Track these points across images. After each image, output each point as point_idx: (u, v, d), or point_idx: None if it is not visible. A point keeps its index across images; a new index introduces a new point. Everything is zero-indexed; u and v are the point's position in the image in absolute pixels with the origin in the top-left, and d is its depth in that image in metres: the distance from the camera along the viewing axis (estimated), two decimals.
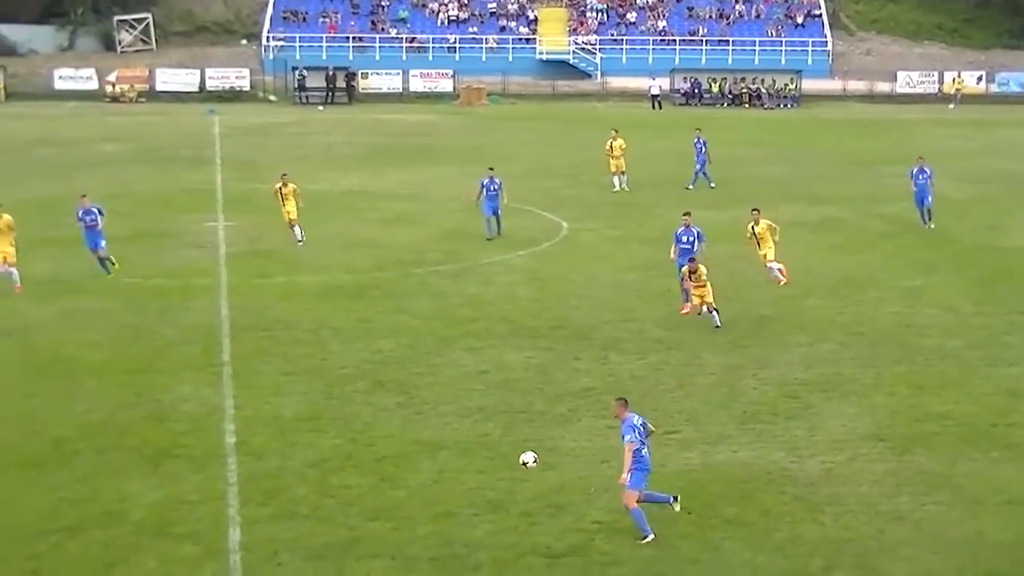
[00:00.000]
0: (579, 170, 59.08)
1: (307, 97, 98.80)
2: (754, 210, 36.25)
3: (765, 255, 36.09)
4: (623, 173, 55.51)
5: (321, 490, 22.52)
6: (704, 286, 32.70)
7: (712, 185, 55.64)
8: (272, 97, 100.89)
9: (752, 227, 35.84)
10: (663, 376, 29.33)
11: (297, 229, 43.58)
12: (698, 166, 56.26)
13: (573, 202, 52.63)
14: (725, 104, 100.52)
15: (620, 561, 19.98)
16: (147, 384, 28.45)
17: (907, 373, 29.63)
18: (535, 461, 22.27)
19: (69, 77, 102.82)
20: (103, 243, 38.51)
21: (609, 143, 55.98)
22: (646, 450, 21.03)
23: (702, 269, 32.71)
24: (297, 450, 24.52)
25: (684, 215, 35.40)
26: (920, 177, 46.04)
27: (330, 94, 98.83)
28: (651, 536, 20.64)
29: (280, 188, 44.04)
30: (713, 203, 51.24)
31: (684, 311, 33.88)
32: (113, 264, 38.72)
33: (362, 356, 30.53)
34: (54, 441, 24.94)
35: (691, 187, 55.69)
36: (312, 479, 23.00)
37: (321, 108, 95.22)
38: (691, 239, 34.48)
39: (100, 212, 38.55)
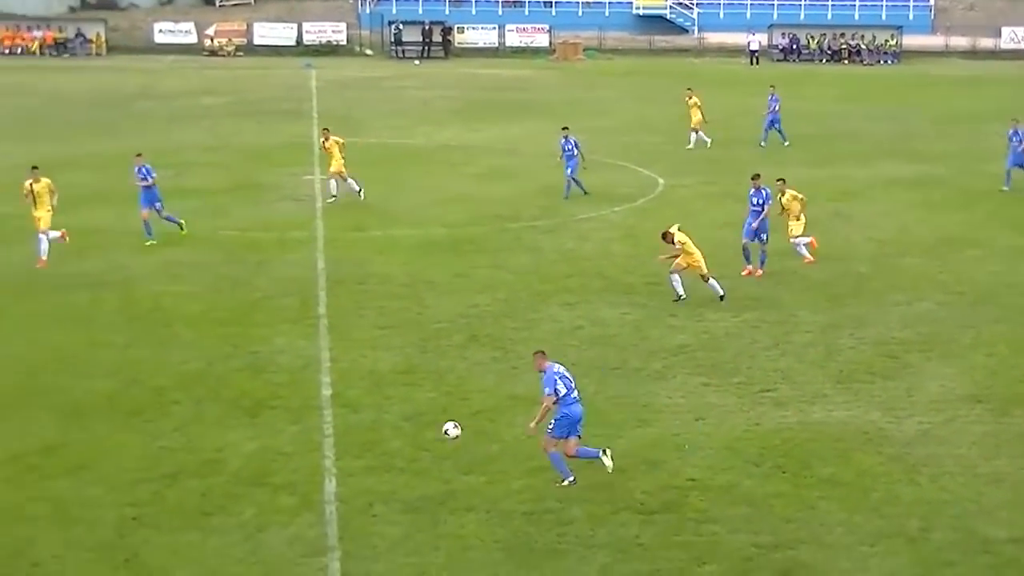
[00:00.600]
0: (675, 126, 58.62)
1: (403, 51, 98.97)
2: (779, 180, 35.17)
3: (791, 230, 34.79)
4: (698, 130, 55.13)
5: (416, 443, 22.63)
6: (692, 254, 30.93)
7: (786, 143, 55.05)
8: (368, 51, 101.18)
9: (779, 198, 34.83)
10: (758, 334, 29.14)
11: (351, 182, 43.20)
12: (768, 122, 55.67)
13: (669, 158, 52.36)
14: (824, 60, 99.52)
15: (714, 519, 19.93)
16: (244, 336, 28.71)
17: (1007, 333, 29.23)
18: (456, 427, 21.68)
19: (168, 31, 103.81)
20: (160, 204, 37.53)
21: (687, 100, 55.77)
22: (573, 396, 21.09)
23: (680, 236, 30.97)
24: (392, 403, 24.66)
25: (753, 177, 34.33)
26: (1015, 139, 45.21)
27: (426, 48, 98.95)
28: (571, 478, 20.89)
29: (323, 143, 43.74)
30: (811, 160, 50.79)
31: (745, 272, 33.62)
32: (181, 228, 37.86)
33: (457, 310, 30.61)
34: (153, 390, 25.28)
35: (763, 144, 55.16)
36: (407, 432, 23.13)
37: (417, 63, 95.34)
38: (760, 201, 33.75)
39: (149, 173, 37.31)
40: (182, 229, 37.81)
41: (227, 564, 18.43)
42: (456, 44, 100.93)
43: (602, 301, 31.43)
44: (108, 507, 20.15)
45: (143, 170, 37.31)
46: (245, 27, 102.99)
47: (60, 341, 28.34)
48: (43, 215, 34.67)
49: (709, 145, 54.48)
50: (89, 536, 19.18)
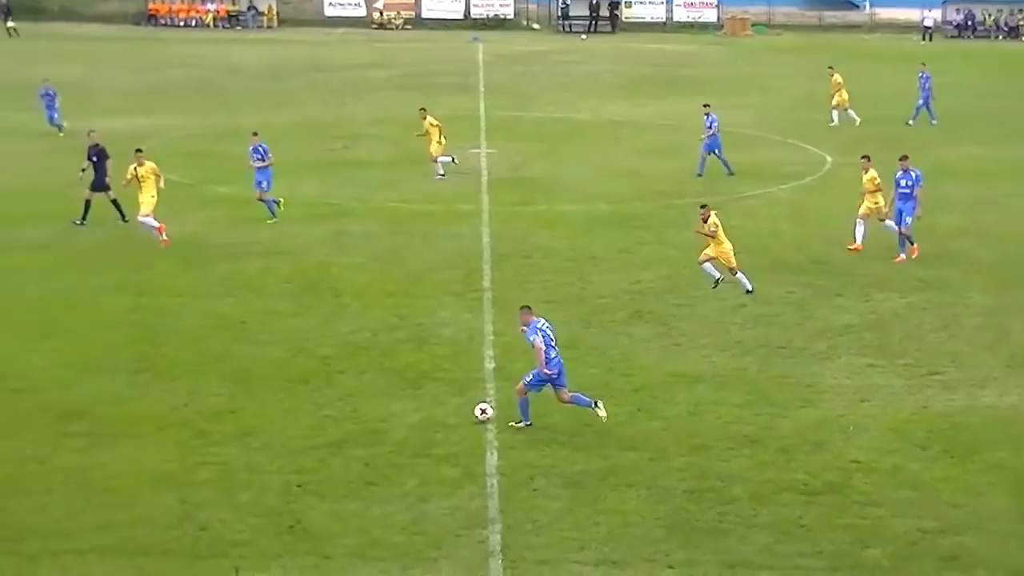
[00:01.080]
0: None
1: (570, 26, 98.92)
2: (863, 157, 34.25)
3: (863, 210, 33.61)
4: (839, 108, 54.27)
5: (577, 418, 22.63)
6: (721, 243, 29.88)
7: (934, 122, 53.92)
8: (535, 25, 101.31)
9: (863, 177, 33.63)
10: (926, 316, 28.64)
11: (439, 162, 42.89)
12: (920, 101, 54.58)
13: (837, 135, 51.64)
14: (1000, 36, 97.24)
15: (878, 502, 19.64)
16: (409, 307, 28.97)
17: None
18: (483, 413, 22.34)
19: (338, 4, 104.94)
20: (266, 184, 36.79)
21: (830, 77, 55.01)
22: (554, 352, 21.82)
23: (714, 218, 29.99)
24: None
25: (901, 159, 33.34)
26: None
27: (593, 23, 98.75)
28: (528, 423, 22.00)
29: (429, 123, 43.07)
30: (983, 139, 49.73)
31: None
32: (279, 206, 36.97)
33: (621, 286, 30.56)
34: (320, 359, 25.63)
35: (911, 122, 54.09)
36: (569, 407, 23.15)
37: (584, 37, 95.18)
38: (909, 183, 32.77)
39: (265, 152, 36.75)
40: (273, 216, 36.72)
41: (390, 533, 18.63)
42: (623, 19, 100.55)
43: (767, 279, 31.11)
44: (274, 473, 20.49)
45: (260, 149, 36.91)
46: (413, 0, 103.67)
47: (230, 309, 28.85)
48: (146, 200, 34.08)
49: (858, 123, 53.65)
50: (255, 502, 19.52)
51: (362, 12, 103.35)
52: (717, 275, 30.04)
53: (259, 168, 36.81)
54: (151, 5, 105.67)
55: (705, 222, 29.89)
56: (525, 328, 22.12)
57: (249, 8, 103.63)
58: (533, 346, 21.84)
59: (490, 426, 22.30)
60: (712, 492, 19.95)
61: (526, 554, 18.08)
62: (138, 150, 35.46)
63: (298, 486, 20.08)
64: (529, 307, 22.63)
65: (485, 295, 30.00)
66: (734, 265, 30.08)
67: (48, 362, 25.23)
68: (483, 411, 22.48)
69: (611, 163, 46.05)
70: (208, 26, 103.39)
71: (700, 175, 43.04)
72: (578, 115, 57.23)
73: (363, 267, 32.26)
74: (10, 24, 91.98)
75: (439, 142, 42.81)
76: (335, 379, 24.59)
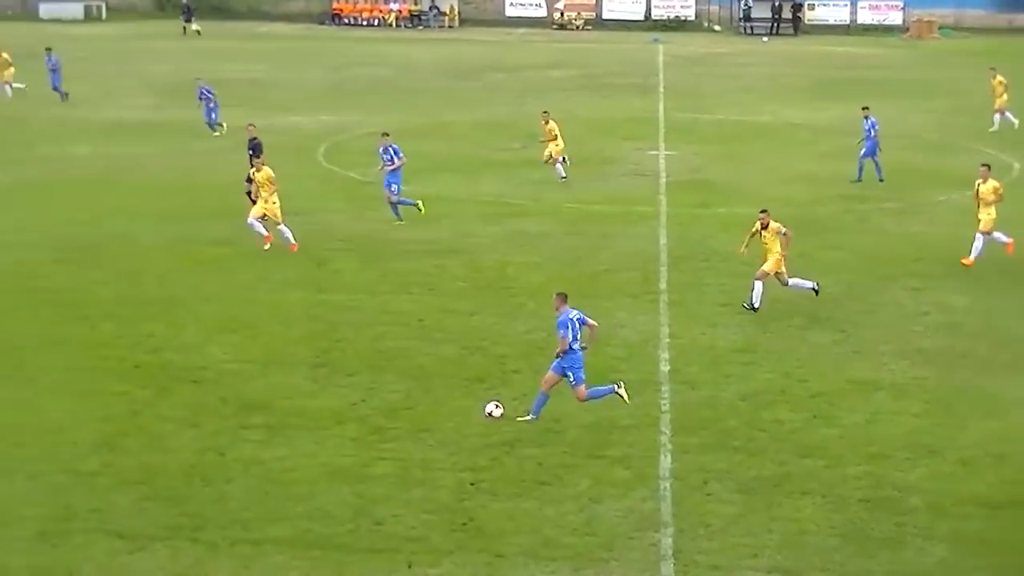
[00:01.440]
0: None
1: (752, 28, 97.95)
2: (983, 166, 33.09)
3: (981, 221, 32.28)
4: (1000, 111, 52.93)
5: (753, 423, 22.44)
6: (776, 252, 28.55)
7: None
8: (716, 27, 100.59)
9: (977, 185, 32.56)
10: None
11: (559, 166, 42.50)
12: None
13: None
14: None
15: None
16: (585, 308, 28.76)
17: None
18: (497, 407, 22.47)
19: (519, 4, 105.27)
20: (395, 187, 36.47)
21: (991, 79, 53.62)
22: (578, 345, 22.11)
23: (774, 225, 28.68)
24: (730, 382, 24.50)
25: None
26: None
27: (775, 25, 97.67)
28: (534, 418, 22.24)
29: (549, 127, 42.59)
30: None
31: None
32: (419, 209, 36.73)
33: (799, 290, 30.18)
34: (496, 358, 25.75)
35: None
36: (744, 412, 22.95)
37: (765, 39, 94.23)
38: None
39: (396, 153, 36.40)
40: (399, 219, 36.46)
41: (562, 534, 18.64)
42: (806, 21, 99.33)
43: (950, 287, 30.51)
44: (448, 471, 20.64)
45: (390, 150, 36.54)
46: (594, 1, 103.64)
47: (408, 307, 29.11)
48: (262, 207, 33.57)
49: (1016, 126, 52.29)
50: (429, 498, 19.68)
51: (543, 12, 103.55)
52: (756, 303, 28.71)
53: (390, 170, 36.56)
54: (335, 4, 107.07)
55: (765, 228, 28.71)
56: (557, 314, 22.35)
57: (431, 8, 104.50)
58: (560, 338, 22.09)
59: (664, 428, 22.22)
60: (888, 502, 19.62)
61: (698, 559, 17.97)
62: (253, 155, 35.84)
63: (471, 484, 20.20)
64: (564, 295, 22.65)
65: (661, 297, 29.87)
66: (782, 272, 28.93)
67: (229, 355, 25.73)
68: (496, 407, 22.53)
69: (791, 167, 45.54)
70: (391, 25, 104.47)
71: (859, 180, 42.35)
72: (758, 118, 56.67)
73: (539, 267, 32.33)
74: (194, 26, 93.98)
75: (558, 145, 42.56)
76: (510, 378, 24.68)
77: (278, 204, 33.78)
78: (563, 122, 43.58)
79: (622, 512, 19.27)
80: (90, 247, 33.34)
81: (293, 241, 33.57)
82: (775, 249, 28.61)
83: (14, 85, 60.86)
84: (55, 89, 60.13)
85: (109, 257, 32.82)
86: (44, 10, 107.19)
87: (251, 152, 37.16)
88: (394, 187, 36.59)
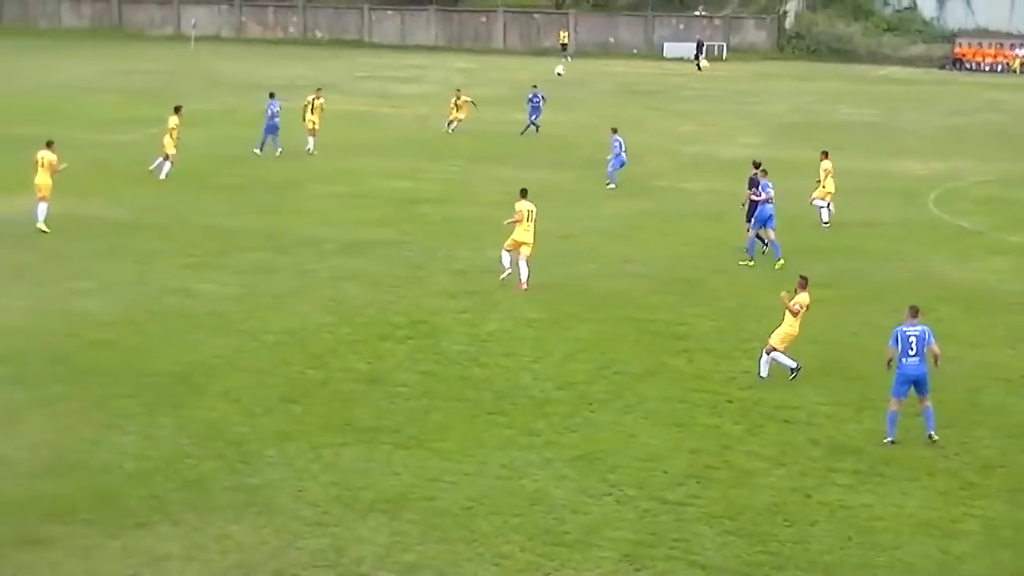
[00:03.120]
0: None
1: None
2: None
3: None
4: None
5: None
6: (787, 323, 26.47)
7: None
8: None
9: None
10: None
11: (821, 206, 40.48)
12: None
13: None
14: None
15: None
16: None
17: None
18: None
19: None
20: (759, 222, 36.07)
21: None
22: (907, 359, 22.81)
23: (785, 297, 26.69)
24: None
25: None
26: None
27: None
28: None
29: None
30: None
31: None
32: (769, 256, 35.94)
33: None
34: None
35: None
36: None
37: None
38: None
39: (765, 187, 35.98)
40: (750, 259, 35.96)
41: None
42: None
43: None
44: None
45: (764, 185, 36.14)
46: None
47: (1011, 361, 28.11)
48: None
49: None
50: (1017, 561, 18.86)
51: None
52: (792, 364, 26.43)
53: (760, 202, 36.13)
54: (957, 50, 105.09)
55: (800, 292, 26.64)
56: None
57: None
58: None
59: None
60: None
61: None
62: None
63: None
64: (916, 308, 23.37)
65: None
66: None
67: (823, 397, 25.58)
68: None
69: None
70: (1014, 72, 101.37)
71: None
72: None
73: None
74: (703, 61, 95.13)
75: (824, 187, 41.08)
76: None
77: (530, 244, 32.83)
78: None
79: None
80: (694, 281, 34.06)
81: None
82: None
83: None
84: (531, 123, 62.68)
85: (711, 291, 33.40)
86: (668, 49, 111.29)
87: (751, 187, 37.15)
88: (759, 221, 36.15)
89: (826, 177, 40.91)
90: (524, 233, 32.64)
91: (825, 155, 41.54)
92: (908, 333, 22.93)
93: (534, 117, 62.95)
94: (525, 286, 32.40)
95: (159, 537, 18.83)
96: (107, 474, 21.04)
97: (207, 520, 19.39)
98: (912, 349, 22.80)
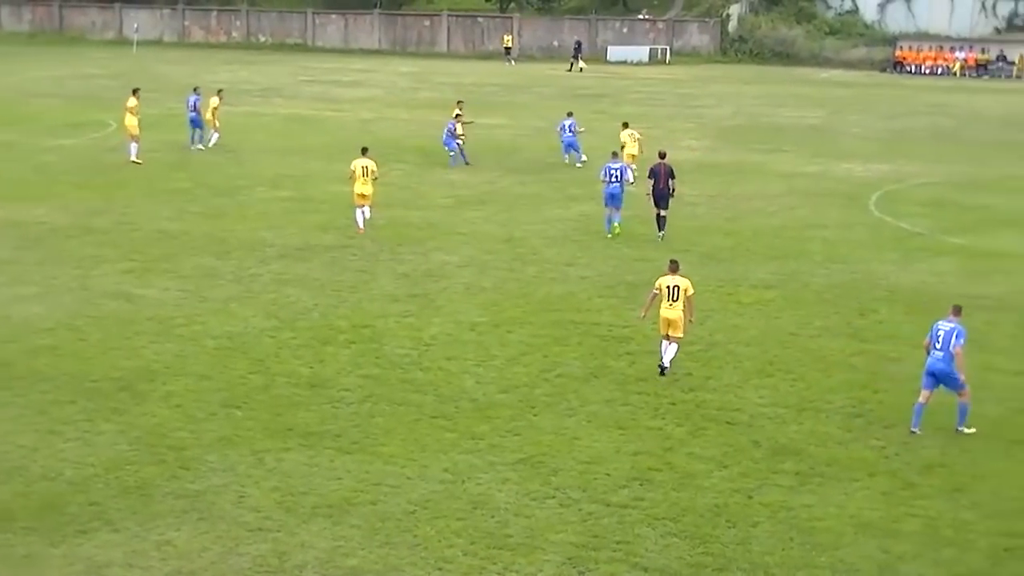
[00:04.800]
0: None
1: None
2: None
3: None
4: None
5: None
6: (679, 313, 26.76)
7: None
8: None
9: None
10: None
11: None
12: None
13: None
14: None
15: None
16: None
17: None
18: None
19: None
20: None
21: None
22: (937, 356, 23.51)
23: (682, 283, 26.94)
24: None
25: None
26: None
27: None
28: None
29: None
30: None
31: None
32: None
33: None
34: None
35: None
36: None
37: None
38: None
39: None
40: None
41: None
42: None
43: None
44: (980, 533, 19.87)
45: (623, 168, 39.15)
46: None
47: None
48: None
49: None
50: (957, 560, 19.00)
51: None
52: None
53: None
54: (898, 53, 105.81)
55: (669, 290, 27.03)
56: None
57: (999, 57, 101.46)
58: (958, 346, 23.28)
59: None
60: None
61: None
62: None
63: (1005, 550, 19.37)
64: (959, 307, 24.31)
65: None
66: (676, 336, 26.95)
67: (765, 399, 25.70)
68: None
69: None
70: (955, 75, 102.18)
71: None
72: None
73: None
74: (580, 64, 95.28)
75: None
76: None
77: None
78: None
79: None
80: (637, 283, 34.10)
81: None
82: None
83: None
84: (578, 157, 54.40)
85: None
86: (612, 53, 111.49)
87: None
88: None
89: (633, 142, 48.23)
90: (362, 187, 39.19)
91: (625, 125, 50.11)
92: (939, 328, 23.61)
93: (575, 151, 54.06)
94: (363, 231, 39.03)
95: (100, 544, 18.74)
96: (48, 481, 20.92)
97: (148, 527, 19.31)
98: (939, 343, 23.47)
